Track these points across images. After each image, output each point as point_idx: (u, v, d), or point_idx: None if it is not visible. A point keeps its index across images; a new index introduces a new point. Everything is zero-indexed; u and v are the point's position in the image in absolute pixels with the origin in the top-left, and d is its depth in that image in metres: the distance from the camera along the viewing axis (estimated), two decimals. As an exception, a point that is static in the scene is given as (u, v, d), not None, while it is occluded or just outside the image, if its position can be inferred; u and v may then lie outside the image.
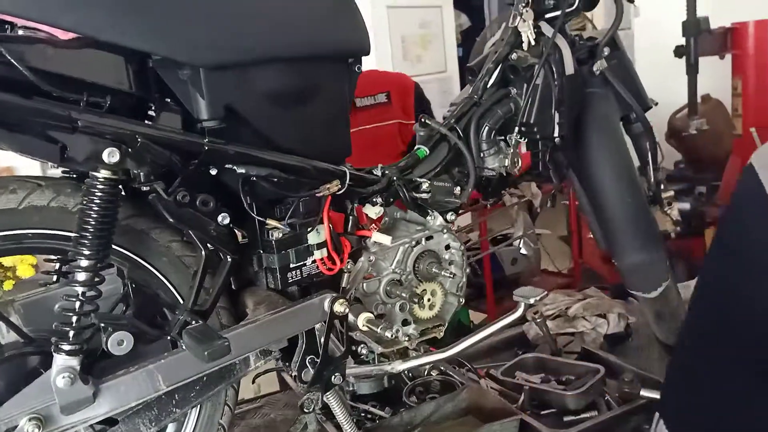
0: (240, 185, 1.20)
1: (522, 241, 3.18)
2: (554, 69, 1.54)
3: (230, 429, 1.37)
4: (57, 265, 1.30)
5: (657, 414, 0.80)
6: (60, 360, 1.06)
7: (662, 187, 1.78)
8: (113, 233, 1.09)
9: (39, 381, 1.07)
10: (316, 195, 1.27)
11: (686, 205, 4.02)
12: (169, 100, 1.14)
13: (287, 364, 1.37)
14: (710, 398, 0.74)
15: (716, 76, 4.32)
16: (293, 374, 1.35)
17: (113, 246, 1.14)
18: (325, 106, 1.31)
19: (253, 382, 1.76)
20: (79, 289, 1.07)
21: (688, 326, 0.79)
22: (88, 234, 1.06)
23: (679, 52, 3.93)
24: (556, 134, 1.57)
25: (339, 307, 1.31)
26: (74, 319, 1.06)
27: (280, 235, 1.25)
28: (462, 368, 1.89)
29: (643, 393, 1.58)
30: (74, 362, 1.07)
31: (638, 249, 1.66)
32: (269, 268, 1.27)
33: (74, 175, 1.20)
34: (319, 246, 1.29)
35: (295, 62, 1.25)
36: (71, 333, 1.06)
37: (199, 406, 1.31)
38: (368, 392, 1.78)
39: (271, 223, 1.22)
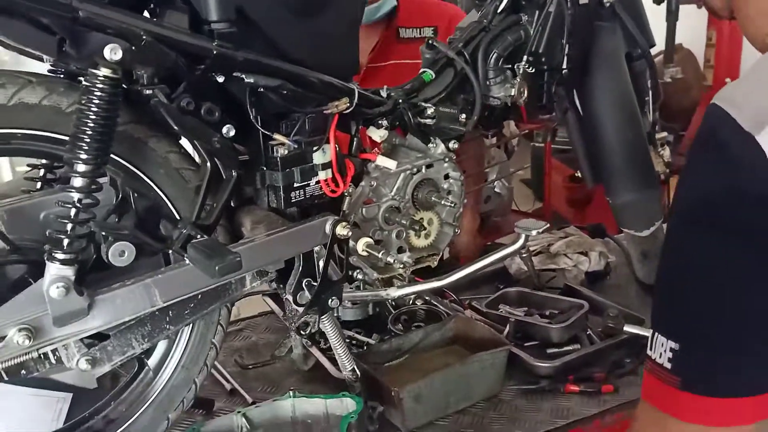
0: (247, 96, 1.13)
1: (497, 180, 3.17)
2: (568, -3, 1.49)
3: (221, 349, 1.34)
4: (42, 171, 1.22)
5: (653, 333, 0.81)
6: (53, 269, 1.00)
7: (656, 128, 1.78)
8: (112, 138, 1.02)
9: (29, 290, 1.01)
10: (324, 112, 1.21)
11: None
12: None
13: (282, 285, 1.33)
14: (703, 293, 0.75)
15: (691, 26, 4.31)
16: (286, 297, 1.33)
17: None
18: (337, 16, 1.23)
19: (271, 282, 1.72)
20: (75, 196, 1.00)
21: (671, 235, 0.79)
22: (86, 137, 0.98)
23: (658, -1, 3.90)
24: (564, 66, 1.53)
25: (342, 230, 1.27)
26: (69, 226, 1.00)
27: (286, 152, 1.19)
28: (446, 299, 1.89)
29: (627, 328, 1.61)
30: (69, 272, 1.01)
31: (636, 186, 1.66)
32: (272, 186, 1.22)
33: (62, 74, 1.11)
34: (324, 166, 1.24)
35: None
36: (66, 241, 1.00)
37: (192, 324, 1.27)
38: (352, 319, 1.77)
39: (278, 138, 1.16)
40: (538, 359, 1.57)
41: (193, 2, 1.04)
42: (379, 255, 1.31)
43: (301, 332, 1.32)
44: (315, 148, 1.23)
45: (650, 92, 1.71)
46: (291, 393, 1.36)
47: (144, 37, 0.98)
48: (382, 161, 1.34)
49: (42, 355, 1.08)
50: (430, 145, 1.47)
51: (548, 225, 1.41)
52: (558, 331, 1.66)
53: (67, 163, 0.99)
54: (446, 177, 1.50)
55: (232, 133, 1.12)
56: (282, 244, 1.24)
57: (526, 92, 1.51)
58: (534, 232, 1.39)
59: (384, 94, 1.39)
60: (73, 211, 1.00)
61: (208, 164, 1.08)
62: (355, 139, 1.32)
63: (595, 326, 1.70)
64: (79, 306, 1.03)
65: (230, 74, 1.09)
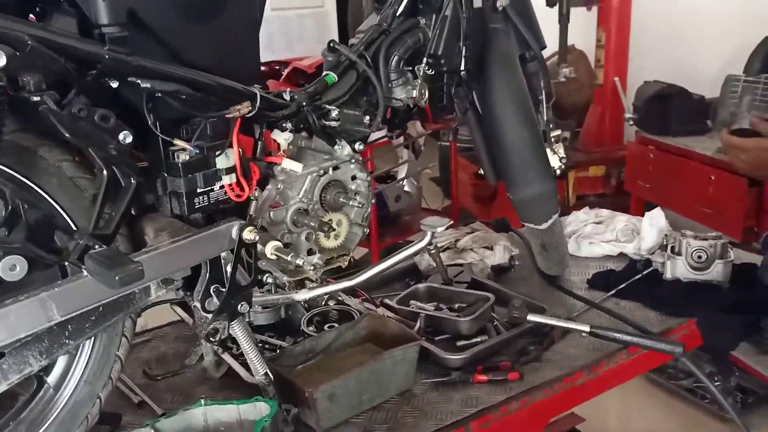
0: (144, 101, 1.10)
1: (406, 179, 3.23)
2: (463, 1, 1.54)
3: (127, 361, 1.30)
4: None
5: None
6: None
7: (551, 126, 1.87)
8: (-3, 146, 0.97)
9: None
10: (226, 116, 1.20)
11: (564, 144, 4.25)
12: (62, 0, 1.01)
13: (189, 293, 1.31)
14: None
15: (581, 28, 4.54)
16: (194, 304, 1.31)
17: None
18: (235, 19, 1.23)
19: (139, 315, 1.67)
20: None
21: None
22: (-30, 147, 0.93)
23: (551, 1, 4.09)
24: (462, 67, 1.58)
25: (249, 235, 1.26)
26: (-46, 242, 0.95)
27: (187, 157, 1.17)
28: (358, 298, 1.91)
29: (530, 318, 1.68)
30: (-43, 289, 0.96)
31: (534, 182, 1.73)
32: (174, 193, 1.20)
33: None
34: (228, 171, 1.23)
35: (201, -31, 1.16)
36: (-49, 258, 0.95)
37: (94, 337, 1.23)
38: (265, 323, 1.76)
39: (179, 143, 1.15)
40: (447, 352, 1.61)
41: (82, 6, 1.01)
42: (288, 258, 1.31)
43: (211, 339, 1.29)
44: (218, 153, 1.21)
45: (543, 92, 1.79)
46: (202, 401, 1.34)
47: (29, 42, 0.94)
48: (288, 164, 1.34)
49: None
50: (336, 147, 1.49)
51: (452, 222, 1.46)
52: (466, 323, 1.71)
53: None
54: (353, 178, 1.52)
55: (129, 139, 1.09)
56: (187, 251, 1.22)
57: (427, 94, 1.55)
58: (439, 229, 1.43)
59: (287, 96, 1.39)
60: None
61: (105, 172, 1.05)
62: (260, 142, 1.32)
63: (501, 317, 1.77)
64: (-31, 325, 0.98)
65: (124, 79, 1.06)
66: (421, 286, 1.93)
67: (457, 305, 1.83)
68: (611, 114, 4.52)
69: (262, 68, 3.31)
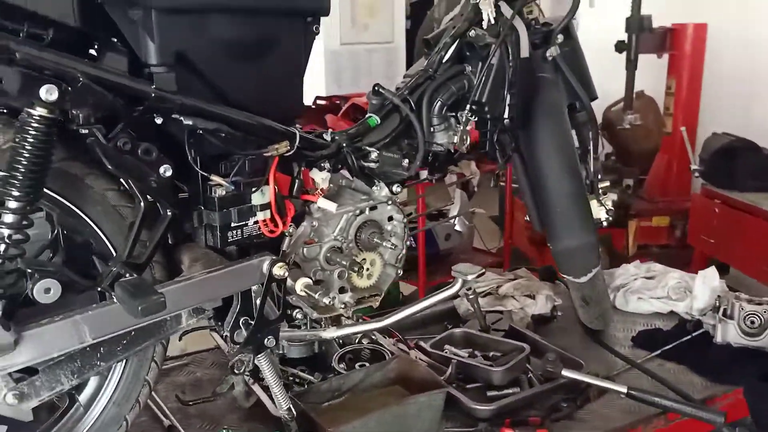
0: (186, 137, 1.15)
1: (458, 218, 3.22)
2: (510, 50, 1.54)
3: (156, 385, 1.34)
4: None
5: None
6: (-20, 304, 1.01)
7: (599, 176, 1.83)
8: (46, 175, 1.03)
9: (-43, 324, 1.01)
10: (264, 155, 1.24)
11: (613, 197, 4.16)
12: (116, 41, 1.08)
13: (219, 323, 1.34)
14: None
15: (652, 74, 4.46)
16: (225, 334, 1.33)
17: (44, 189, 1.08)
18: (280, 63, 1.27)
19: (180, 339, 1.72)
20: (5, 231, 1.01)
21: None
22: (18, 174, 1.00)
23: (620, 47, 4.04)
24: (506, 115, 1.58)
25: (278, 270, 1.29)
26: (-2, 262, 1.01)
27: (224, 192, 1.21)
28: (392, 338, 1.90)
29: (565, 373, 1.63)
30: (-6, 308, 1.01)
31: (573, 234, 1.70)
32: (210, 226, 1.24)
33: (4, 110, 1.12)
34: (263, 207, 1.27)
35: (251, 13, 1.21)
36: (-6, 277, 1.01)
37: (125, 360, 1.27)
38: (298, 356, 1.78)
39: (215, 179, 1.19)
40: (476, 402, 1.59)
41: (134, 46, 1.07)
42: (316, 296, 1.32)
43: (236, 371, 1.32)
44: (254, 190, 1.25)
45: (591, 142, 1.77)
46: (224, 430, 1.36)
47: (80, 78, 1.00)
48: (323, 203, 1.37)
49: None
50: (374, 188, 1.51)
51: (483, 271, 1.45)
52: (498, 373, 1.68)
53: (-1, 200, 1.00)
54: (390, 219, 1.54)
55: (169, 173, 1.14)
56: (218, 283, 1.25)
57: (468, 140, 1.56)
58: (470, 277, 1.42)
59: (328, 137, 1.43)
60: (2, 247, 1.01)
61: (142, 203, 1.10)
62: (297, 180, 1.35)
63: (536, 369, 1.73)
64: (5, 341, 1.03)
65: (169, 116, 1.12)
66: (457, 330, 1.91)
67: (492, 353, 1.81)
68: (679, 163, 4.38)
69: (323, 102, 3.40)
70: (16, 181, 1.00)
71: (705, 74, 4.39)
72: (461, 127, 1.54)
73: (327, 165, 1.39)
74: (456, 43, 1.56)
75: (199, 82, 1.15)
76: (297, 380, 1.69)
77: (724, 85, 4.60)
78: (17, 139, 0.99)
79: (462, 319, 2.06)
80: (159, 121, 1.11)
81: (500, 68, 1.54)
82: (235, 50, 1.19)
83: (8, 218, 1.00)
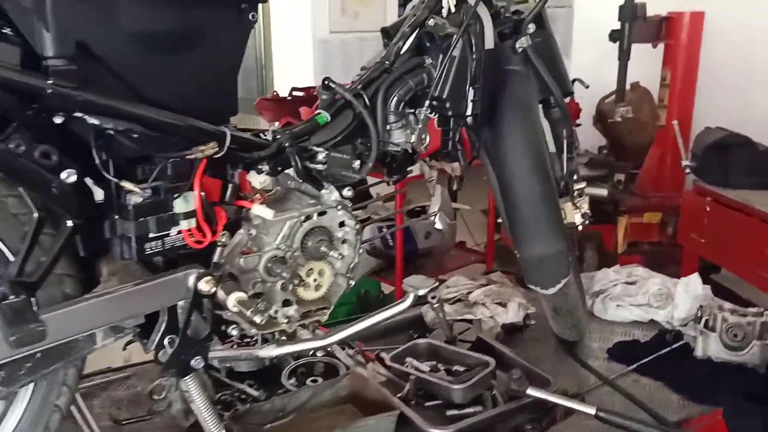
0: (92, 139, 1.02)
1: (438, 215, 3.08)
2: (473, 41, 1.41)
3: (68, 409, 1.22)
4: None
5: None
6: None
7: (575, 177, 1.71)
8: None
9: None
10: (187, 157, 1.11)
11: (603, 192, 4.04)
12: (7, 31, 0.94)
13: (145, 341, 1.22)
14: None
15: (647, 64, 4.31)
16: (150, 353, 1.21)
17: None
18: (207, 56, 1.14)
19: (124, 349, 1.60)
20: None
21: None
22: None
23: (613, 36, 3.89)
24: (468, 112, 1.45)
25: (204, 286, 1.17)
26: None
27: (140, 200, 1.08)
28: (351, 349, 1.79)
29: (530, 392, 1.51)
30: None
31: (541, 241, 1.57)
32: (124, 237, 1.11)
33: None
34: (187, 215, 1.13)
35: (172, -1, 1.08)
36: None
37: (33, 384, 1.15)
38: (246, 370, 1.66)
39: (127, 185, 1.06)
40: (431, 424, 1.47)
41: (27, 36, 0.94)
42: (248, 313, 1.20)
43: (154, 397, 1.20)
44: (176, 196, 1.12)
45: (566, 141, 1.64)
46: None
47: (-41, 73, 0.87)
48: (258, 210, 1.24)
49: None
50: (324, 191, 1.38)
51: (436, 284, 1.33)
52: (459, 391, 1.56)
53: None
54: (341, 224, 1.41)
55: (73, 178, 1.01)
56: (137, 299, 1.13)
57: (427, 139, 1.43)
58: (421, 292, 1.30)
59: (269, 136, 1.30)
60: None
61: (35, 214, 0.97)
62: (231, 185, 1.22)
63: (501, 386, 1.61)
64: None
65: (70, 115, 0.99)
66: (420, 341, 1.79)
67: (455, 367, 1.69)
68: (672, 158, 4.24)
69: (299, 94, 3.26)
70: None
71: (701, 65, 4.25)
72: (419, 126, 1.41)
73: (266, 167, 1.26)
74: (415, 32, 1.43)
75: (107, 77, 1.02)
76: (243, 396, 1.57)
77: (721, 77, 4.46)
78: None
79: (429, 328, 1.94)
80: (59, 120, 0.98)
81: (462, 60, 1.41)
82: (152, 41, 1.05)
83: None
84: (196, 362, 1.21)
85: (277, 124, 3.24)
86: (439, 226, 3.18)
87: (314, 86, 3.56)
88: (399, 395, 1.59)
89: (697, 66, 4.25)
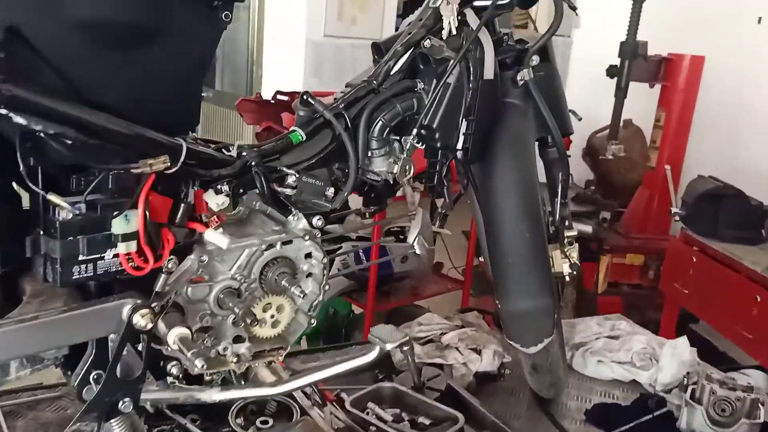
0: (18, 141, 0.87)
1: (417, 239, 2.94)
2: (471, 68, 1.28)
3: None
4: None
5: None
6: None
7: (567, 223, 1.57)
8: None
9: None
10: (132, 170, 0.95)
11: (588, 228, 3.93)
12: None
13: (69, 372, 1.06)
14: None
15: (642, 103, 4.23)
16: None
17: None
18: (168, 57, 0.99)
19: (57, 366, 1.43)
20: None
21: None
22: None
23: (611, 72, 3.80)
24: (459, 146, 1.31)
25: (140, 320, 1.01)
26: None
27: (69, 216, 0.93)
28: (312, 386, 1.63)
29: (500, 458, 1.38)
30: None
31: (525, 295, 1.43)
32: (49, 256, 0.95)
33: None
34: (126, 237, 0.98)
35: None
36: None
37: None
38: (190, 402, 1.49)
39: (54, 199, 0.90)
40: (388, 486, 1.32)
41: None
42: (189, 354, 1.04)
43: None
44: (116, 214, 0.96)
45: (560, 184, 1.51)
46: None
47: None
48: (211, 236, 1.09)
49: None
50: (291, 217, 1.23)
51: (406, 338, 1.18)
52: (423, 449, 1.42)
53: None
54: (307, 257, 1.26)
55: (-10, 185, 0.85)
56: (58, 329, 0.97)
57: (411, 170, 1.29)
58: (389, 347, 1.15)
59: (234, 153, 1.15)
60: None
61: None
62: (182, 204, 1.06)
63: (469, 445, 1.47)
64: None
65: (-9, 111, 0.83)
66: (385, 385, 1.65)
67: (421, 419, 1.55)
68: (660, 200, 4.15)
69: (284, 98, 3.11)
70: None
71: (696, 110, 4.18)
72: (404, 155, 1.27)
73: (225, 187, 1.11)
74: (409, 52, 1.29)
75: (42, 71, 0.87)
76: (183, 434, 1.41)
77: (716, 126, 4.40)
78: None
79: (396, 370, 1.79)
80: (-24, 115, 0.83)
81: (457, 89, 1.28)
82: (101, 32, 0.90)
83: None
84: (124, 405, 1.05)
85: (257, 127, 3.08)
86: (417, 250, 3.03)
87: (298, 92, 3.42)
88: (355, 447, 1.45)
89: (692, 110, 4.17)
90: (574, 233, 1.59)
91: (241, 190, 1.14)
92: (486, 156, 1.42)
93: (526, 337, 1.47)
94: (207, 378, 1.26)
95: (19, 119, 0.84)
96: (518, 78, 1.40)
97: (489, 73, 1.29)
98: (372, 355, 1.18)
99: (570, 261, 1.58)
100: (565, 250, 1.57)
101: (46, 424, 1.47)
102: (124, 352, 1.04)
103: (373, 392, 1.62)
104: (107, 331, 1.01)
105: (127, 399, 1.05)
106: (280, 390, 1.19)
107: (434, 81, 1.27)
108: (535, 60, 1.40)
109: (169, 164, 0.98)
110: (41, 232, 0.95)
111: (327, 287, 1.29)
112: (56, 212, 0.93)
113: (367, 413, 1.54)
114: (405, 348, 1.66)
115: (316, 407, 1.55)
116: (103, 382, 1.01)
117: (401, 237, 3.08)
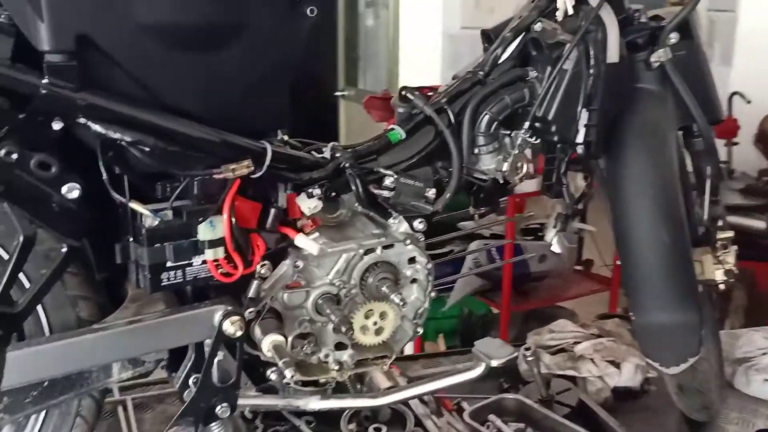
0: (99, 150, 0.88)
1: (557, 237, 2.75)
2: (592, 52, 1.13)
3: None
4: None
5: None
6: None
7: (720, 224, 1.36)
8: None
9: None
10: (215, 176, 0.94)
11: (761, 224, 3.47)
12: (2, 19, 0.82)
13: (172, 374, 1.08)
14: None
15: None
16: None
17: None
18: (249, 57, 0.96)
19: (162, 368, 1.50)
20: None
21: None
22: None
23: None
24: (580, 139, 1.17)
25: (230, 327, 1.00)
26: None
27: (155, 223, 0.93)
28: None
29: (632, 490, 1.22)
30: None
31: (663, 308, 1.24)
32: (138, 263, 0.96)
33: None
34: (213, 243, 0.96)
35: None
36: None
37: (44, 413, 1.04)
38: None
39: (135, 207, 0.90)
40: None
41: (22, 28, 0.80)
42: (281, 363, 1.02)
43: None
44: (201, 220, 0.95)
45: (709, 179, 1.30)
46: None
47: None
48: (302, 242, 1.05)
49: None
50: (392, 220, 1.16)
51: (515, 354, 1.07)
52: (545, 472, 1.29)
53: None
54: (411, 261, 1.19)
55: (75, 194, 0.87)
56: (152, 334, 0.99)
57: (525, 168, 1.17)
58: (495, 363, 1.04)
59: (327, 154, 1.10)
60: None
61: (21, 235, 0.84)
62: (273, 209, 1.03)
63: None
64: None
65: (72, 120, 0.84)
66: (509, 397, 1.53)
67: (546, 436, 1.42)
68: None
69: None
70: None
71: None
72: (515, 151, 1.15)
73: (317, 191, 1.07)
74: (519, 38, 1.17)
75: (116, 78, 0.87)
76: (294, 436, 1.40)
77: None
78: None
79: (522, 380, 1.66)
80: (57, 126, 0.84)
81: (575, 76, 1.14)
82: (173, 36, 0.88)
83: None
84: (221, 410, 1.04)
85: (385, 125, 3.05)
86: (556, 249, 2.84)
87: (430, 86, 3.34)
88: (472, 462, 1.35)
89: None
90: (729, 235, 1.37)
91: (334, 194, 1.09)
92: (615, 150, 1.26)
93: (665, 355, 1.28)
94: (322, 381, 1.24)
95: (97, 128, 0.85)
96: (652, 60, 1.22)
97: (613, 56, 1.14)
98: (477, 372, 1.09)
99: (724, 267, 1.36)
100: (718, 254, 1.35)
101: (171, 417, 1.52)
102: (221, 358, 1.04)
103: (495, 404, 1.51)
104: (201, 336, 1.01)
105: (224, 404, 1.04)
106: (384, 401, 1.15)
107: (548, 68, 1.14)
108: (674, 38, 1.21)
109: (252, 168, 0.95)
110: (130, 239, 0.96)
111: (432, 294, 1.21)
112: (142, 219, 0.93)
113: (487, 426, 1.44)
114: (530, 358, 1.54)
115: (432, 416, 1.47)
116: (198, 387, 1.01)
117: (540, 234, 2.91)
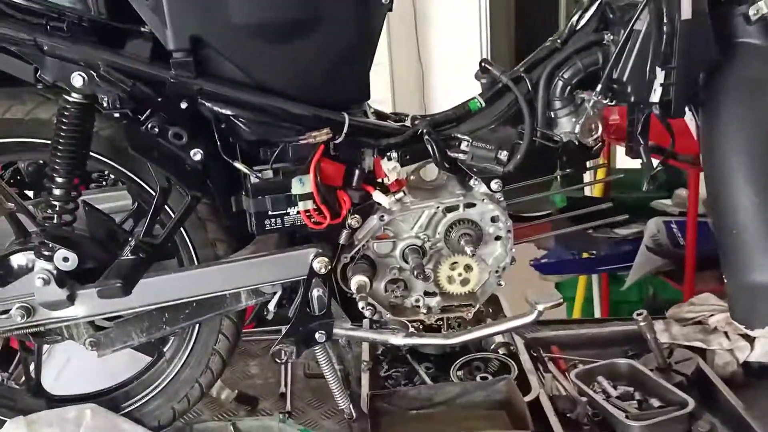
0: (213, 123, 1.15)
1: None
2: (665, 9, 1.14)
3: (229, 356, 1.39)
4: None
5: None
6: (39, 263, 1.17)
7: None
8: (86, 154, 1.14)
9: (26, 277, 1.20)
10: (301, 142, 1.16)
11: None
12: (144, 28, 1.11)
13: (287, 306, 1.34)
14: None
15: None
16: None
17: (113, 164, 1.21)
18: (331, 42, 1.16)
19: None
20: (56, 203, 1.15)
21: None
22: (59, 153, 1.12)
23: None
24: (656, 98, 1.18)
25: (317, 265, 1.22)
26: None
27: (256, 180, 1.17)
28: (546, 352, 1.65)
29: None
30: (50, 266, 1.17)
31: (753, 268, 1.19)
32: (248, 212, 1.22)
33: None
34: (303, 197, 1.19)
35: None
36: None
37: (197, 328, 1.35)
38: (430, 352, 1.66)
39: (239, 166, 1.16)
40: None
41: (155, 32, 1.09)
42: (359, 302, 1.21)
43: (276, 360, 1.29)
44: (293, 178, 1.18)
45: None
46: (280, 416, 1.36)
47: (100, 66, 1.07)
48: (378, 197, 1.23)
49: (57, 330, 1.29)
50: (473, 182, 1.29)
51: (561, 301, 1.13)
52: (635, 429, 1.32)
53: (48, 176, 1.14)
54: (493, 220, 1.30)
55: (199, 157, 1.15)
56: (259, 269, 1.25)
57: (599, 129, 1.21)
58: (541, 307, 1.12)
59: (408, 122, 1.26)
60: (55, 218, 1.15)
61: (158, 186, 1.14)
62: (357, 170, 1.23)
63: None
64: (59, 296, 1.19)
65: (193, 102, 1.12)
66: (621, 362, 1.56)
67: (652, 400, 1.43)
68: None
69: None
70: (59, 160, 1.12)
71: None
72: (586, 113, 1.21)
73: (394, 154, 1.23)
74: (596, 5, 1.21)
75: (222, 66, 1.12)
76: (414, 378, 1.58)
77: None
78: (56, 122, 1.11)
79: (648, 348, 1.65)
80: (183, 105, 1.12)
81: (648, 36, 1.15)
82: (262, 32, 1.12)
83: (56, 192, 1.14)
84: (319, 336, 1.28)
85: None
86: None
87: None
88: (569, 415, 1.42)
89: None
90: None
91: (408, 157, 1.25)
92: (710, 107, 1.23)
93: (756, 317, 1.22)
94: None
95: (210, 105, 1.12)
96: (751, 13, 1.18)
97: (686, 11, 1.13)
98: (530, 317, 1.17)
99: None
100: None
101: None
102: (320, 293, 1.26)
103: (606, 367, 1.54)
104: (298, 273, 1.24)
105: (321, 331, 1.27)
106: (447, 342, 1.28)
107: (621, 30, 1.17)
108: (776, -13, 1.16)
109: (332, 135, 1.16)
110: (243, 193, 1.22)
111: (513, 250, 1.31)
112: (248, 177, 1.18)
113: (592, 387, 1.48)
114: (642, 323, 1.55)
115: (539, 371, 1.56)
116: (295, 313, 1.25)
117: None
